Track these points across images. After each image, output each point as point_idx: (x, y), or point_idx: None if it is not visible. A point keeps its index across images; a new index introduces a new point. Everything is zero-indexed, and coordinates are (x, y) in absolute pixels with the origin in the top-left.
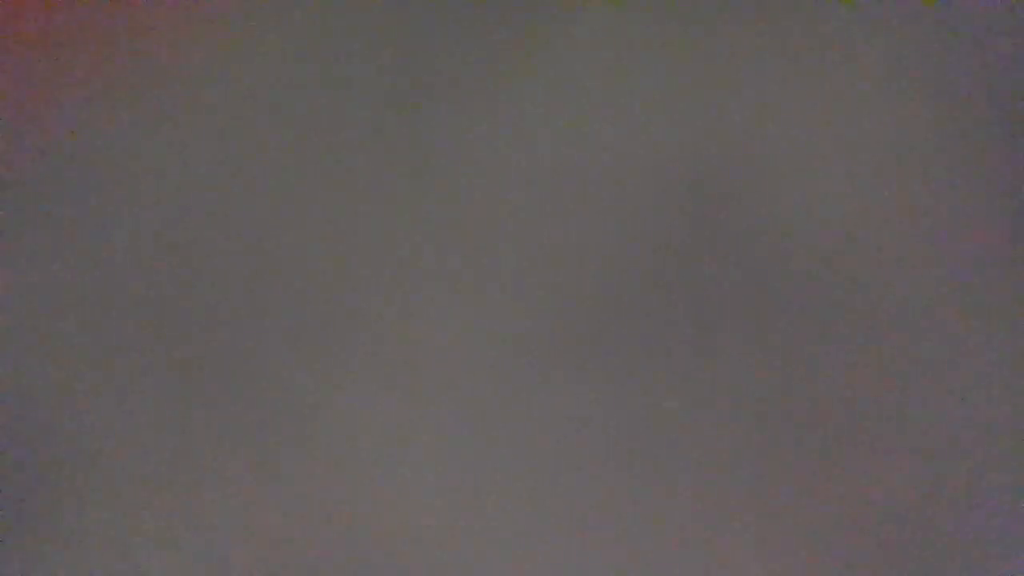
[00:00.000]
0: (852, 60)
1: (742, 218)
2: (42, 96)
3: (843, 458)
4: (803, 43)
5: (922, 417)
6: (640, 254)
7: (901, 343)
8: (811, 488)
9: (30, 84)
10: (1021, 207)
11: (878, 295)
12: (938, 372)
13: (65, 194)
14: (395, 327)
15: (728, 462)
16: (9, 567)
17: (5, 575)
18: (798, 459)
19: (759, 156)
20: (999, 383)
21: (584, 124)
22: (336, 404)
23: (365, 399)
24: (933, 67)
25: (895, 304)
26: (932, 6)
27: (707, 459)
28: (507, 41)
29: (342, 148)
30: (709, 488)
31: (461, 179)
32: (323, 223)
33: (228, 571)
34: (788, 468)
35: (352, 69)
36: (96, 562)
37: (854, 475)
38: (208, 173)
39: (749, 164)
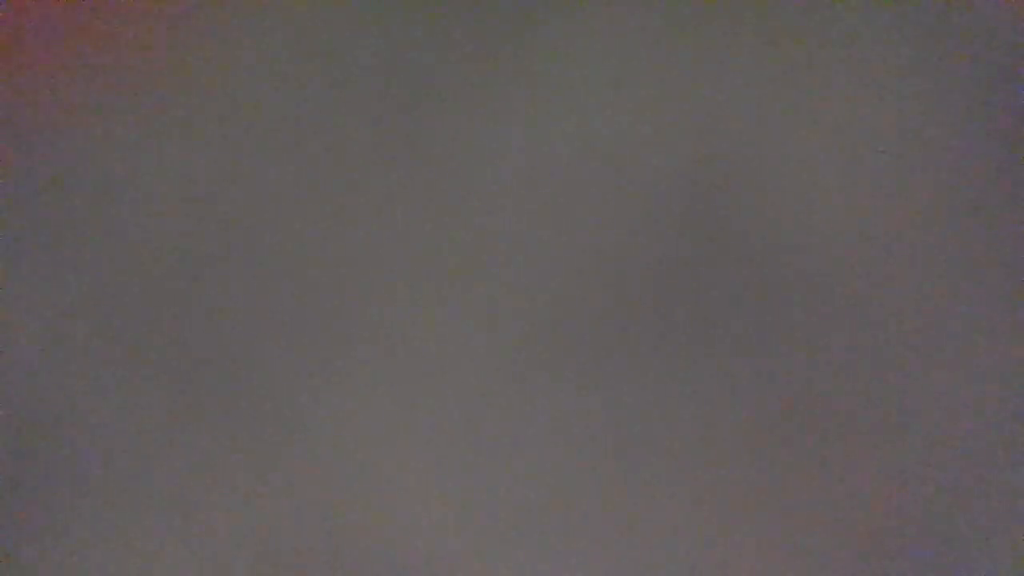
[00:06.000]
0: (852, 60)
1: (742, 219)
2: (42, 96)
3: (843, 459)
4: (803, 43)
5: (922, 417)
6: (640, 255)
7: (901, 343)
8: (810, 490)
9: (30, 85)
10: (1021, 207)
11: (878, 295)
12: (938, 372)
13: (65, 194)
14: (394, 328)
15: (728, 463)
16: (9, 567)
17: (5, 575)
18: (798, 461)
19: (759, 157)
20: (999, 383)
21: (583, 125)
22: (335, 405)
23: (365, 401)
24: (933, 67)
25: (895, 304)
26: (931, 5)
27: (707, 460)
28: (507, 41)
29: (342, 149)
30: (708, 489)
31: (460, 180)
32: (323, 224)
33: (228, 570)
34: (788, 469)
35: (352, 69)
36: (96, 562)
37: (854, 476)
38: (207, 173)
39: (749, 165)
